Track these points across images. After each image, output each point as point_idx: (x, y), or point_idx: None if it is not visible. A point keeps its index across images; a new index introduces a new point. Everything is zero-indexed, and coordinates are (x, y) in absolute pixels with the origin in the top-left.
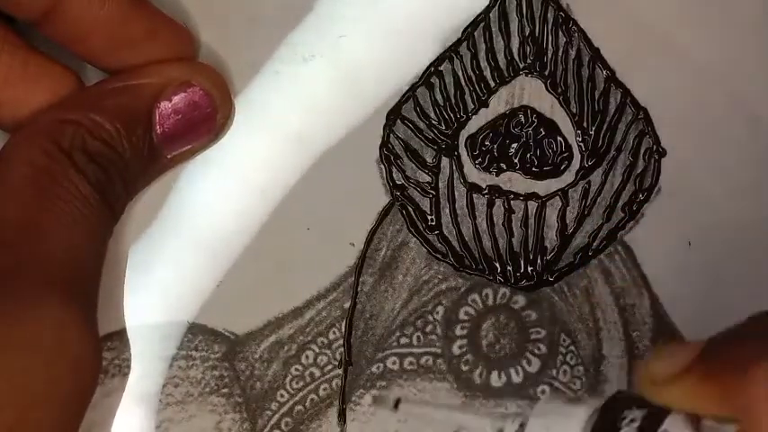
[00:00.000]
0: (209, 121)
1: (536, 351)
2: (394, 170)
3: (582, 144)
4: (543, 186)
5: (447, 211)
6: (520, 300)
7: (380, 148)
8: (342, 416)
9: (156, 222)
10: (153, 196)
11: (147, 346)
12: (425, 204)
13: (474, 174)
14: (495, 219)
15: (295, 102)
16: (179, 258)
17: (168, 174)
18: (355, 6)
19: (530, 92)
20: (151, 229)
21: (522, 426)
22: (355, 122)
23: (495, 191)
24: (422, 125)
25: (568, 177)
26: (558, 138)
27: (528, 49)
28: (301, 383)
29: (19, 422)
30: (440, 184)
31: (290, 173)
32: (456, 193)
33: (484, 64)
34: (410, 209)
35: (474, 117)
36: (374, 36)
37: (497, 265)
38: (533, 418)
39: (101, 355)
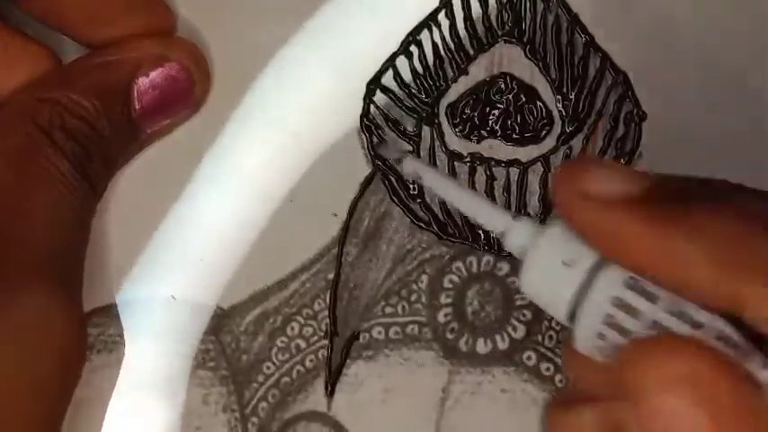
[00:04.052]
0: (187, 95)
1: (521, 317)
2: (375, 140)
3: (562, 110)
4: (524, 152)
5: None
6: (504, 267)
7: (361, 117)
8: (328, 386)
9: (139, 198)
10: (135, 172)
11: (132, 322)
12: None
13: (455, 141)
14: (477, 186)
15: (283, 88)
16: (163, 233)
17: (149, 150)
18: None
19: (509, 59)
20: (134, 206)
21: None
22: (339, 98)
23: (476, 158)
24: (402, 94)
25: (549, 143)
26: (539, 104)
27: (506, 15)
28: (287, 355)
29: (1, 410)
30: (421, 153)
31: (272, 146)
32: (437, 162)
33: (463, 32)
34: (392, 178)
35: (454, 85)
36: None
37: (481, 232)
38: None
39: (86, 340)
